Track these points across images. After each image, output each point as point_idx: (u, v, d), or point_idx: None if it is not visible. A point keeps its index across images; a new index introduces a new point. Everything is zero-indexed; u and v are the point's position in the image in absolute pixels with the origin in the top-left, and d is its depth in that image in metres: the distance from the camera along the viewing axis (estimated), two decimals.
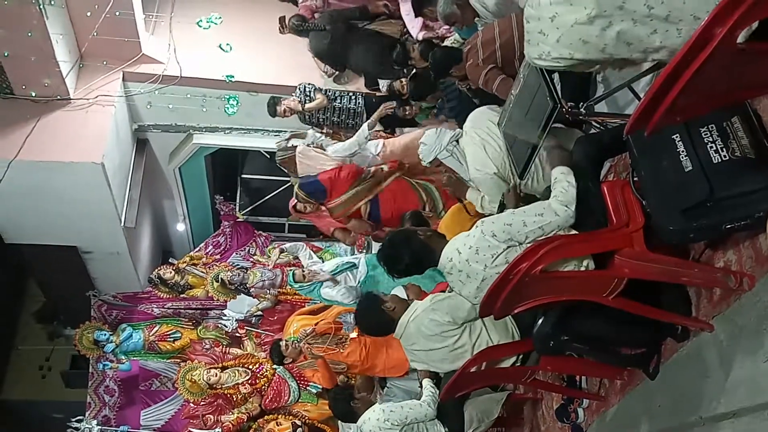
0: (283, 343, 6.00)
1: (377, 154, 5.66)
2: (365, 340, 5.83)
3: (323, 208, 5.74)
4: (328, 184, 5.53)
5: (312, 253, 6.88)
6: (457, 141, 4.04)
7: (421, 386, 4.42)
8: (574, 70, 2.49)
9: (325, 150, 5.82)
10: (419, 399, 4.20)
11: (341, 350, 5.77)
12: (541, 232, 2.68)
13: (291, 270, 6.99)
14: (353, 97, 6.34)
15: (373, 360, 5.60)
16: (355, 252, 8.05)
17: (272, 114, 6.31)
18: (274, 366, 7.34)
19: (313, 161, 5.78)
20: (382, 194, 5.59)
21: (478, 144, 3.72)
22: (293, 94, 6.36)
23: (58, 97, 6.91)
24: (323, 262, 6.87)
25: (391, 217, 5.61)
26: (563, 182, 2.76)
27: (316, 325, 6.44)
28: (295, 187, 5.74)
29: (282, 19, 6.91)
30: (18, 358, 12.60)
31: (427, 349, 3.62)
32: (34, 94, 6.81)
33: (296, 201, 5.74)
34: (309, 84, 6.41)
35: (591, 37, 2.23)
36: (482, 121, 3.75)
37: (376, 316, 3.79)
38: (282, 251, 7.50)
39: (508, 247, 2.71)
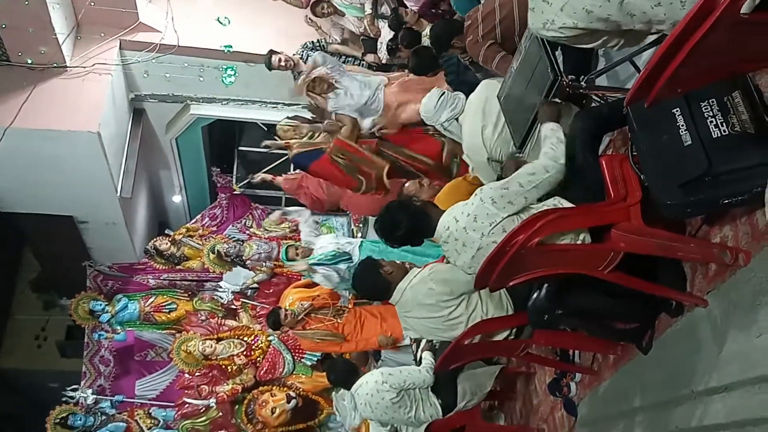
0: (282, 312, 6.01)
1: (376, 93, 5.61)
2: (361, 312, 5.85)
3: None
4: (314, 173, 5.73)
5: (314, 222, 6.84)
6: (456, 120, 4.01)
7: (415, 359, 4.44)
8: (579, 43, 2.47)
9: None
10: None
11: (338, 320, 5.80)
12: (537, 191, 2.73)
13: (285, 245, 7.00)
14: (357, 63, 6.37)
15: (367, 333, 5.63)
16: (351, 225, 8.07)
17: (268, 65, 6.27)
18: (269, 338, 7.37)
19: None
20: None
21: (477, 126, 3.70)
22: (296, 53, 6.37)
23: (55, 64, 6.86)
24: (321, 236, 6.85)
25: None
26: (552, 138, 2.80)
27: (313, 300, 6.46)
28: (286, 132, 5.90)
29: None
30: (14, 327, 12.64)
31: (422, 317, 3.62)
32: (30, 62, 6.77)
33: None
34: (310, 41, 6.44)
35: (594, 6, 2.21)
36: (487, 99, 3.73)
37: (373, 279, 3.73)
38: (285, 214, 7.45)
39: (507, 216, 2.72)
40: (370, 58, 6.65)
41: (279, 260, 7.89)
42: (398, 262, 3.83)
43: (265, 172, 7.26)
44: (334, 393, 6.02)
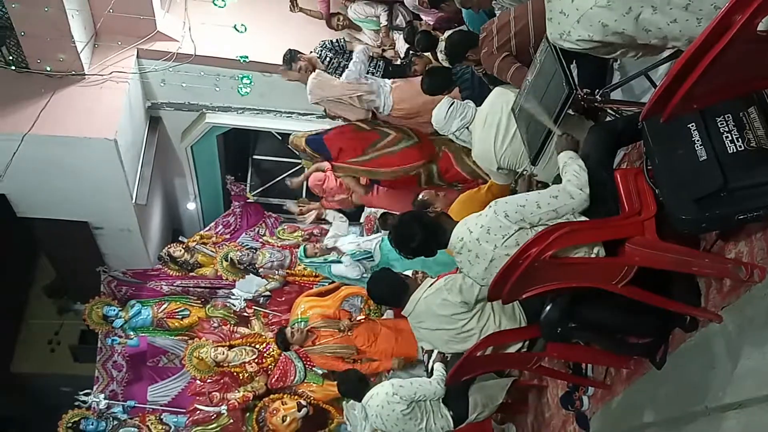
0: (288, 330, 6.01)
1: (389, 94, 5.61)
2: (374, 324, 5.85)
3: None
4: (333, 148, 5.63)
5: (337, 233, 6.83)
6: (467, 128, 4.01)
7: (426, 370, 4.43)
8: (596, 53, 2.48)
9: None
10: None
11: (349, 334, 5.79)
12: (555, 214, 2.70)
13: (303, 245, 6.99)
14: (374, 62, 6.40)
15: (383, 344, 5.62)
16: (364, 234, 8.08)
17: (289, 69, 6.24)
18: None
19: (325, 91, 5.72)
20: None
21: (487, 136, 3.70)
22: (313, 51, 6.36)
23: (73, 72, 6.93)
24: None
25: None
26: (574, 166, 2.77)
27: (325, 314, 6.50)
28: (302, 141, 5.78)
29: None
30: (28, 332, 12.71)
31: (435, 328, 3.62)
32: (49, 69, 6.83)
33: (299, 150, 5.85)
34: (329, 41, 6.45)
35: (610, 21, 2.23)
36: (499, 107, 3.73)
37: (388, 283, 3.77)
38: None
39: (520, 228, 2.72)
40: (389, 53, 6.63)
41: (292, 268, 7.93)
42: (410, 274, 3.83)
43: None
44: (344, 402, 6.02)
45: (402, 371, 5.70)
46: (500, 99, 3.76)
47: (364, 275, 6.06)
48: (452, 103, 4.05)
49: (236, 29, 7.39)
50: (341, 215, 7.06)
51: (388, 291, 3.80)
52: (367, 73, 5.85)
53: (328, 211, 7.18)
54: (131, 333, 8.51)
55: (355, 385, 4.46)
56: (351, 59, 5.73)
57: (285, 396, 7.42)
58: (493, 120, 3.72)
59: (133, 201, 7.88)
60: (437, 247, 3.06)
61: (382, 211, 7.03)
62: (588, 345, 3.54)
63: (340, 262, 6.22)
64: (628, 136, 3.05)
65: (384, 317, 6.53)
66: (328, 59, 6.31)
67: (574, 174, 2.74)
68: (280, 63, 6.20)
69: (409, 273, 4.48)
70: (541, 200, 2.72)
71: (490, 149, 3.73)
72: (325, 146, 5.68)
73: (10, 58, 6.75)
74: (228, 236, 9.12)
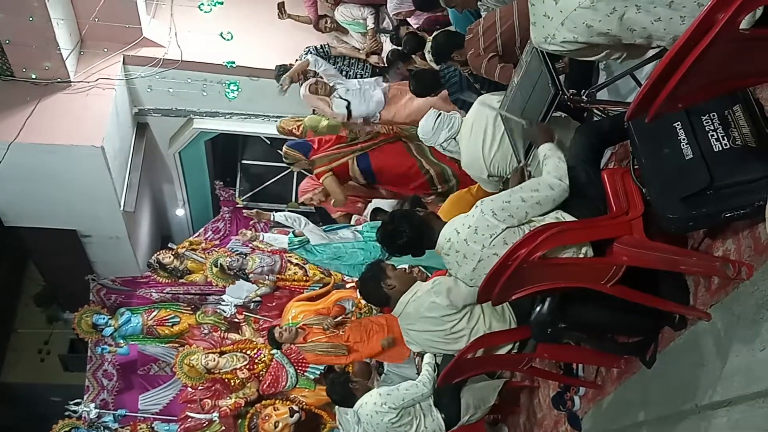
0: (277, 331, 6.01)
1: (378, 111, 5.65)
2: (366, 322, 5.84)
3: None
4: (315, 142, 5.68)
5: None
6: (454, 138, 4.02)
7: (418, 372, 4.42)
8: (580, 56, 2.48)
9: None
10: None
11: (340, 332, 5.79)
12: (540, 207, 2.72)
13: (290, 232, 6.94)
14: (361, 65, 6.41)
15: (375, 342, 5.60)
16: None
17: (284, 89, 6.25)
18: (272, 351, 7.36)
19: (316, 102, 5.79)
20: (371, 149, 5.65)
21: (474, 144, 3.71)
22: (299, 57, 6.38)
23: (59, 79, 6.91)
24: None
25: (383, 170, 5.62)
26: (553, 158, 2.80)
27: (319, 311, 6.46)
28: (284, 148, 5.78)
29: (281, 5, 6.91)
30: (17, 341, 12.65)
31: (424, 330, 3.61)
32: (34, 77, 6.81)
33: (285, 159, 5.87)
34: (314, 46, 6.45)
35: (594, 21, 2.23)
36: (484, 114, 3.74)
37: (374, 289, 3.72)
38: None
39: (507, 227, 2.73)
40: (374, 59, 6.67)
41: (282, 273, 7.90)
42: (405, 271, 3.81)
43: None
44: (337, 407, 6.00)
45: (394, 369, 5.67)
46: (483, 107, 3.78)
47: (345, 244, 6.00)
48: (439, 115, 4.07)
49: (222, 37, 7.40)
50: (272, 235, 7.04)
51: (374, 296, 3.79)
52: (355, 76, 5.89)
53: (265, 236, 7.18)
54: (121, 341, 8.47)
55: (347, 391, 4.43)
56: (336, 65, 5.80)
57: (277, 402, 7.38)
58: (479, 128, 3.73)
59: (122, 208, 7.85)
60: (425, 246, 3.07)
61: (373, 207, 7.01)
62: (578, 345, 3.54)
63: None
64: (614, 135, 3.06)
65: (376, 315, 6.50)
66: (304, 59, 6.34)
67: (554, 166, 2.77)
68: (267, 68, 6.22)
69: (405, 267, 4.47)
70: (524, 194, 2.75)
71: (479, 156, 3.73)
72: (306, 142, 5.74)
73: None
74: (217, 242, 9.09)
